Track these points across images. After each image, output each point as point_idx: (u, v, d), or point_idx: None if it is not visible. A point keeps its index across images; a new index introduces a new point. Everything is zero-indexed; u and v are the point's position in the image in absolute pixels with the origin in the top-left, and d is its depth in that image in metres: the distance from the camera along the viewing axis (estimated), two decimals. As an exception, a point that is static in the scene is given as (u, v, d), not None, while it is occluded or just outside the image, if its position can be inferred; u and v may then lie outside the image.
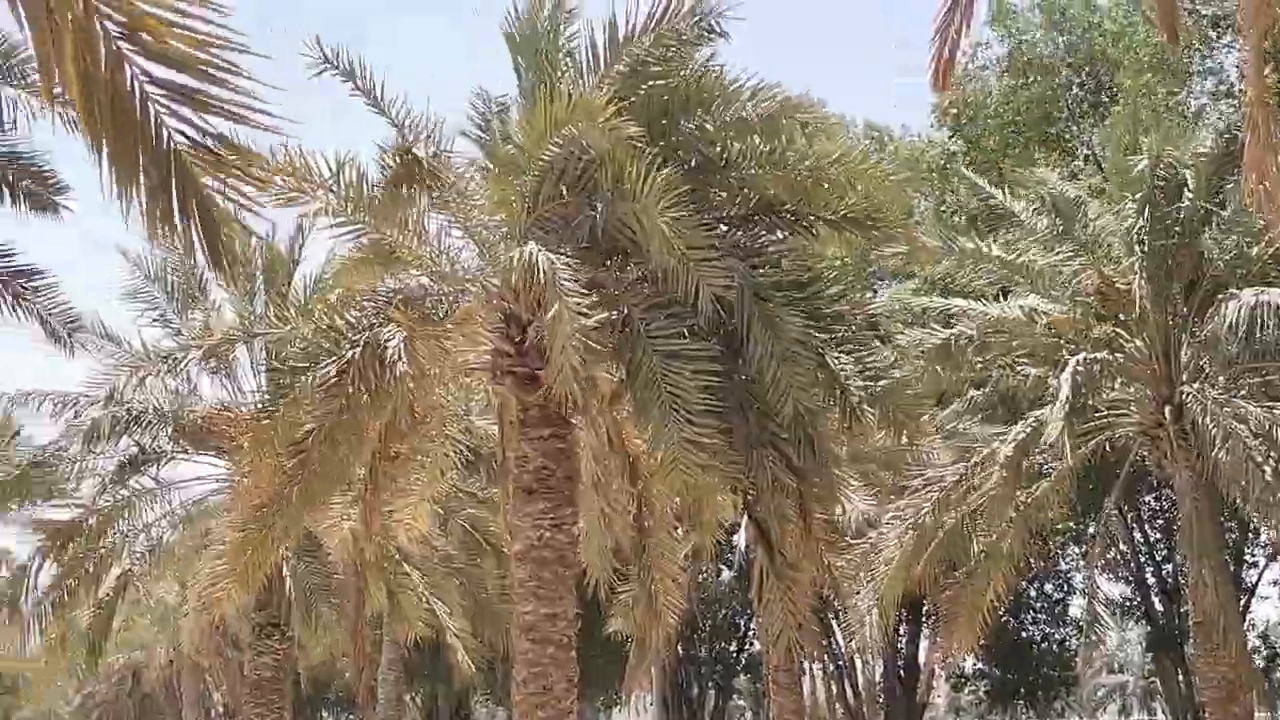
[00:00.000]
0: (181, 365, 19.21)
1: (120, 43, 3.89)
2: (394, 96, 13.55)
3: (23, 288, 12.11)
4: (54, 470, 21.62)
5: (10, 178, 11.72)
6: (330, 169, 13.17)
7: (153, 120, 4.03)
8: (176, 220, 4.04)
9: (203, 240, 4.08)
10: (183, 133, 4.07)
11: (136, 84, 3.99)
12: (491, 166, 13.94)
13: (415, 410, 14.32)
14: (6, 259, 11.97)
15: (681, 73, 12.99)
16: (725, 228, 13.34)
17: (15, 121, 11.51)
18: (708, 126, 13.03)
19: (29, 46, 4.12)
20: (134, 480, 21.48)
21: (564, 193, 12.78)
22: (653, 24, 12.89)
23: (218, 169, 4.06)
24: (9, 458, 26.37)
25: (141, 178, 4.01)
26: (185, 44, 3.84)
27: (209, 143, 4.09)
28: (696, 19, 12.83)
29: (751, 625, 43.23)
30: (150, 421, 20.71)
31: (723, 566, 40.88)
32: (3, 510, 32.40)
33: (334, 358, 12.90)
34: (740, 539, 27.60)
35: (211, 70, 3.91)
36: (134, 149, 4.02)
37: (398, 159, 13.24)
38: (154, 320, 20.99)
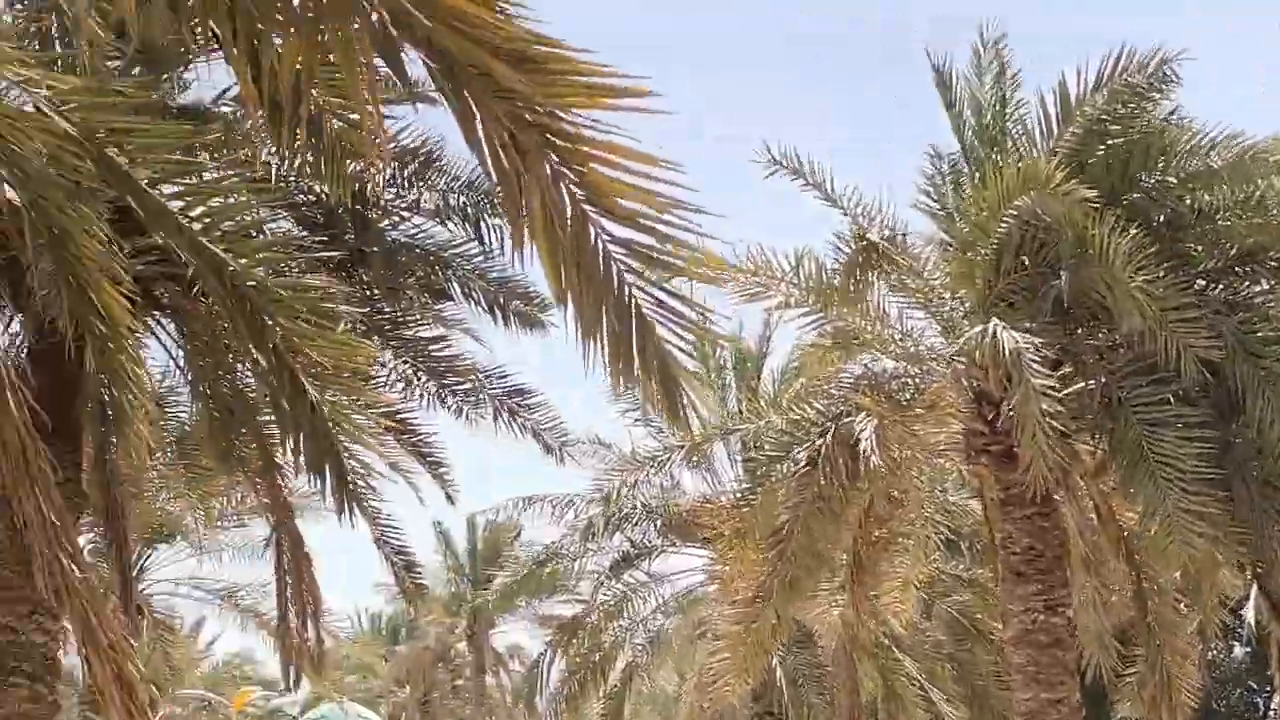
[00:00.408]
0: (666, 466, 20.07)
1: (584, 205, 4.16)
2: (845, 187, 13.73)
3: (517, 406, 12.96)
4: (555, 568, 23.14)
5: (501, 300, 12.46)
6: (790, 263, 13.56)
7: (615, 277, 4.27)
8: (637, 372, 4.25)
9: (661, 394, 4.27)
10: (641, 289, 4.29)
11: (600, 242, 4.24)
12: (949, 238, 13.78)
13: (891, 494, 14.26)
14: (503, 380, 12.88)
15: (1138, 127, 12.40)
16: (1202, 283, 12.54)
17: (502, 246, 12.02)
18: (1170, 180, 12.35)
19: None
20: (628, 574, 22.70)
21: (1024, 263, 12.47)
22: (1105, 80, 12.40)
23: (676, 326, 4.24)
24: (517, 558, 28.38)
25: (604, 329, 4.26)
26: (643, 204, 4.05)
27: (667, 299, 4.28)
28: (1150, 69, 12.21)
29: (1272, 704, 39.64)
30: (640, 518, 21.83)
31: (1234, 642, 37.80)
32: (512, 608, 34.90)
33: (804, 446, 13.11)
34: (1249, 612, 25.38)
35: (667, 229, 4.09)
36: (597, 301, 4.24)
37: (853, 245, 13.37)
38: (635, 420, 22.20)
